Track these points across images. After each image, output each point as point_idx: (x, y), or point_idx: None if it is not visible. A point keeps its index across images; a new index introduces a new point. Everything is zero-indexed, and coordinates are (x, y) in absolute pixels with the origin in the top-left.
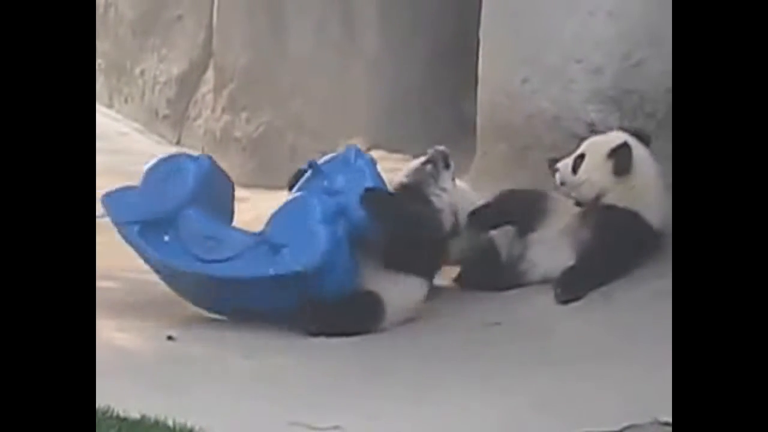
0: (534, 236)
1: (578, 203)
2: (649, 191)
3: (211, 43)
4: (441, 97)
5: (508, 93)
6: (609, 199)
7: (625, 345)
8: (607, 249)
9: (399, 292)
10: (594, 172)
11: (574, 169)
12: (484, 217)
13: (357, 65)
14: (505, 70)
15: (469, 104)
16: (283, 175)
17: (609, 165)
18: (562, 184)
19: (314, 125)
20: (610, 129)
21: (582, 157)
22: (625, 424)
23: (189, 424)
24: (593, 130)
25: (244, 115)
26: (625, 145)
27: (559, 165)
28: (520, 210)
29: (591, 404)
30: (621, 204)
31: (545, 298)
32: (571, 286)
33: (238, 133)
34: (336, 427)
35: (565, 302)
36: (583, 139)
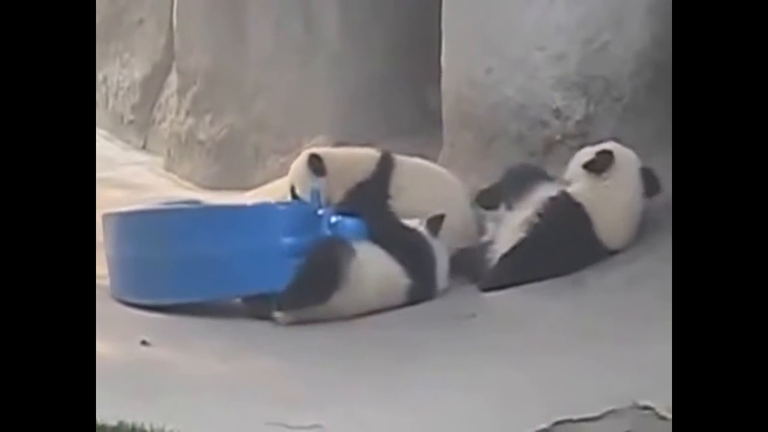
0: (506, 219)
1: None
2: (614, 207)
3: (173, 45)
4: (405, 89)
5: (472, 83)
6: (574, 191)
7: (601, 331)
8: (541, 238)
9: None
10: (573, 165)
11: None
12: (488, 196)
13: (318, 61)
14: (468, 60)
15: (433, 95)
16: (248, 176)
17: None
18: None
19: (278, 125)
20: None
21: None
22: (605, 410)
23: (167, 429)
24: (558, 118)
25: (207, 117)
26: (606, 151)
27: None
28: (515, 188)
29: (569, 392)
30: (579, 199)
31: (519, 289)
32: (494, 276)
33: (202, 136)
34: (315, 426)
35: (485, 290)
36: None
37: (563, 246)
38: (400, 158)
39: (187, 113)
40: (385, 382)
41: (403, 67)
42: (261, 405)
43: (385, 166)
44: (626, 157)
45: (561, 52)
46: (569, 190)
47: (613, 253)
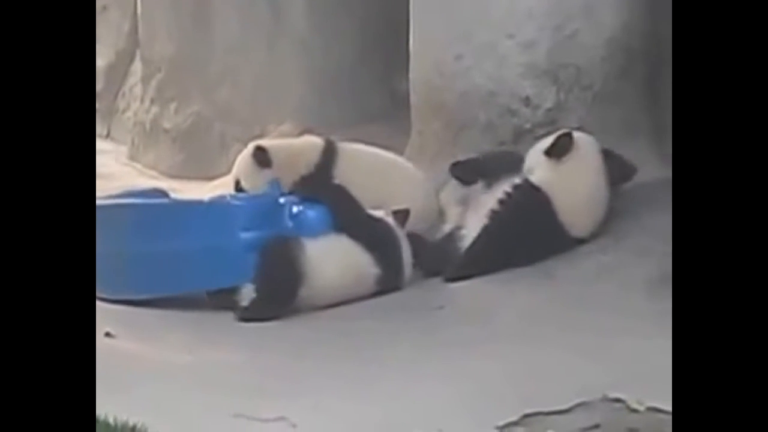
0: (473, 204)
1: None
2: (574, 190)
3: (137, 33)
4: (374, 76)
5: (441, 70)
6: (535, 177)
7: (570, 323)
8: (503, 227)
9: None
10: (534, 152)
11: None
12: (463, 169)
13: (285, 48)
14: (437, 47)
15: (402, 83)
16: (214, 165)
17: (546, 146)
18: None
19: (244, 113)
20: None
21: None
22: (575, 402)
23: (131, 422)
24: (528, 106)
25: (172, 105)
26: (567, 134)
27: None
28: (493, 169)
29: (539, 384)
30: (541, 185)
31: (487, 279)
32: (458, 266)
33: (167, 124)
34: (281, 418)
35: (450, 281)
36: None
37: (526, 234)
38: (347, 147)
39: (152, 101)
40: (353, 373)
41: (371, 54)
42: (227, 397)
43: (329, 156)
44: (587, 143)
45: (531, 39)
46: (532, 177)
47: (580, 241)
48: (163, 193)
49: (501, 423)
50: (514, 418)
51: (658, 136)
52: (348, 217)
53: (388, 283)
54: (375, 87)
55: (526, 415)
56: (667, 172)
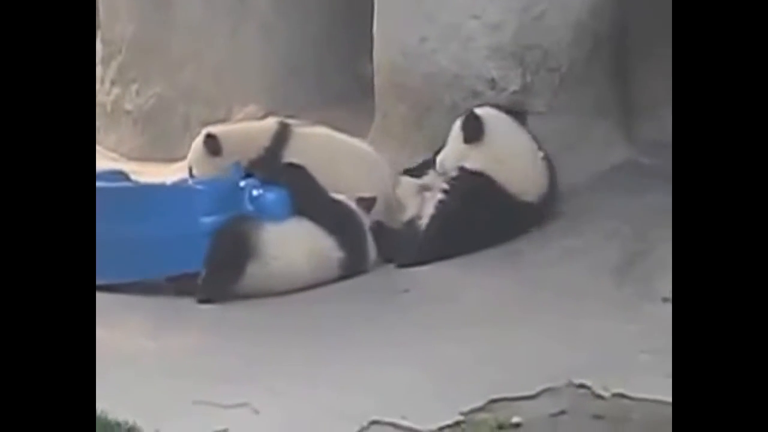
0: (431, 194)
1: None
2: (509, 160)
3: (97, 13)
4: (338, 58)
5: (405, 52)
6: (470, 164)
7: (537, 306)
8: (452, 211)
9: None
10: (452, 146)
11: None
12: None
13: (249, 29)
14: (401, 29)
15: (367, 65)
16: (177, 147)
17: (461, 136)
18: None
19: (208, 94)
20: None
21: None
22: (540, 387)
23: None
24: (493, 88)
25: (134, 87)
26: (472, 115)
27: (440, 156)
28: None
29: (504, 369)
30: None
31: (453, 261)
32: (411, 254)
33: (128, 106)
34: (242, 404)
35: (401, 267)
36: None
37: (480, 216)
38: (301, 131)
39: (113, 83)
40: (316, 358)
41: (336, 36)
42: (188, 383)
43: (279, 140)
44: (494, 115)
45: (497, 21)
46: (467, 165)
47: (536, 207)
48: (124, 176)
49: (466, 408)
50: (479, 404)
51: (626, 118)
52: (309, 200)
53: (352, 267)
54: (340, 69)
55: (492, 401)
56: (633, 155)
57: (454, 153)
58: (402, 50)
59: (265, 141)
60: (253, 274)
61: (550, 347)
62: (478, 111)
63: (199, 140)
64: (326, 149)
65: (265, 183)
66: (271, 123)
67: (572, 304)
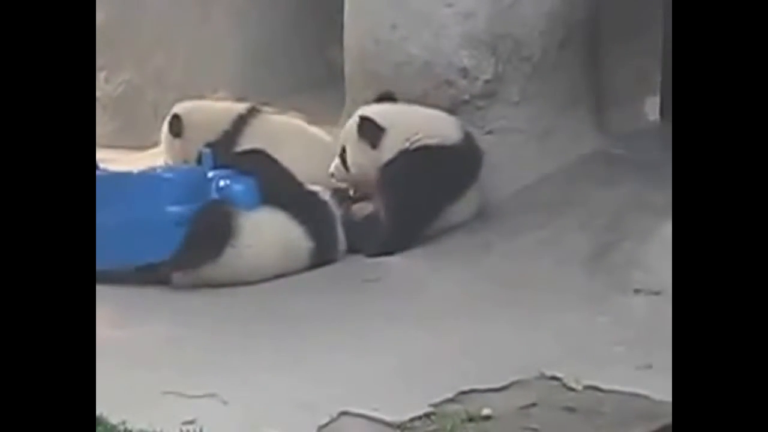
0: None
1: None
2: (416, 122)
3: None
4: (308, 45)
5: (376, 39)
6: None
7: (507, 297)
8: (400, 189)
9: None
10: (357, 157)
11: (344, 164)
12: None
13: (219, 15)
14: (372, 15)
15: (337, 52)
16: (147, 135)
17: (364, 144)
18: (343, 182)
19: (178, 80)
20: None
21: (344, 149)
22: (511, 379)
23: None
24: (465, 77)
25: (103, 74)
26: (365, 119)
27: (332, 168)
28: None
29: (475, 360)
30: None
31: (423, 252)
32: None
33: (98, 92)
34: (210, 395)
35: (370, 256)
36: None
37: (422, 181)
38: (261, 118)
39: None
40: (285, 348)
41: (306, 22)
42: (156, 373)
43: (238, 125)
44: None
45: (469, 9)
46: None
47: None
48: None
49: (436, 400)
50: (449, 395)
51: (598, 108)
52: (279, 189)
53: (322, 256)
54: (310, 56)
55: (462, 392)
56: (605, 145)
57: (365, 165)
58: (372, 37)
59: (225, 124)
60: (227, 261)
61: (521, 338)
62: (365, 113)
63: (166, 120)
64: (282, 137)
65: (234, 174)
66: (236, 107)
67: (543, 295)
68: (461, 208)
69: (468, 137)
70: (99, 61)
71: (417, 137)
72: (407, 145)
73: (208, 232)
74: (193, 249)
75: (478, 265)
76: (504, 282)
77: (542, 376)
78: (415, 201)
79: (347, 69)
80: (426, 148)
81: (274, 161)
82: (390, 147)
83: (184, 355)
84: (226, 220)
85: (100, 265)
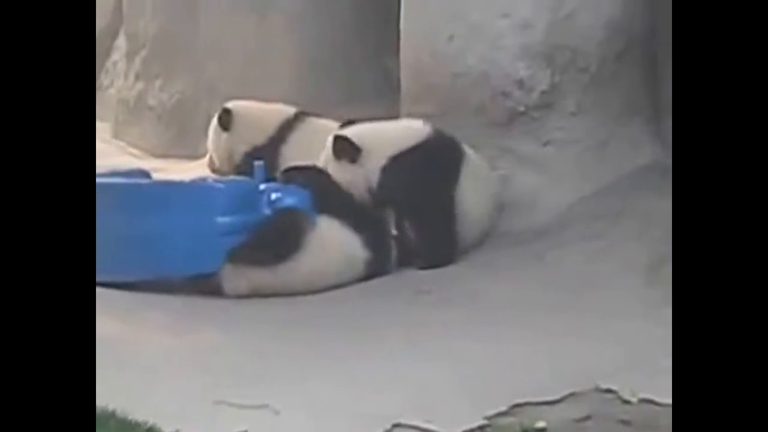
0: None
1: None
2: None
3: (121, 8)
4: (365, 55)
5: (433, 51)
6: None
7: (561, 307)
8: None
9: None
10: (342, 175)
11: None
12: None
13: (276, 25)
14: (429, 27)
15: (393, 63)
16: (200, 144)
17: (341, 161)
18: None
19: (232, 91)
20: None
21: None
22: (566, 392)
23: (110, 408)
24: (522, 88)
25: (158, 82)
26: (339, 139)
27: None
28: None
29: (528, 373)
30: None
31: (477, 263)
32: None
33: (152, 102)
34: (263, 406)
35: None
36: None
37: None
38: (306, 125)
39: (136, 78)
40: (338, 358)
41: (363, 33)
42: (209, 382)
43: (283, 132)
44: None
45: (526, 19)
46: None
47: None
48: (145, 174)
49: (490, 412)
50: (503, 408)
51: (656, 118)
52: (332, 201)
53: (377, 267)
54: (367, 66)
55: (516, 405)
56: (664, 155)
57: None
58: (429, 48)
59: (271, 130)
60: (288, 267)
61: (576, 350)
62: (342, 134)
63: (217, 114)
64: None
65: (285, 187)
66: (284, 111)
67: (599, 306)
68: (468, 197)
69: (439, 132)
70: (154, 70)
71: (394, 145)
72: (390, 154)
73: (280, 233)
74: (261, 248)
75: (534, 275)
76: (560, 293)
77: (597, 389)
78: (429, 200)
79: (403, 80)
80: (408, 151)
81: (327, 175)
82: (371, 160)
83: (236, 364)
84: (299, 224)
85: (149, 274)
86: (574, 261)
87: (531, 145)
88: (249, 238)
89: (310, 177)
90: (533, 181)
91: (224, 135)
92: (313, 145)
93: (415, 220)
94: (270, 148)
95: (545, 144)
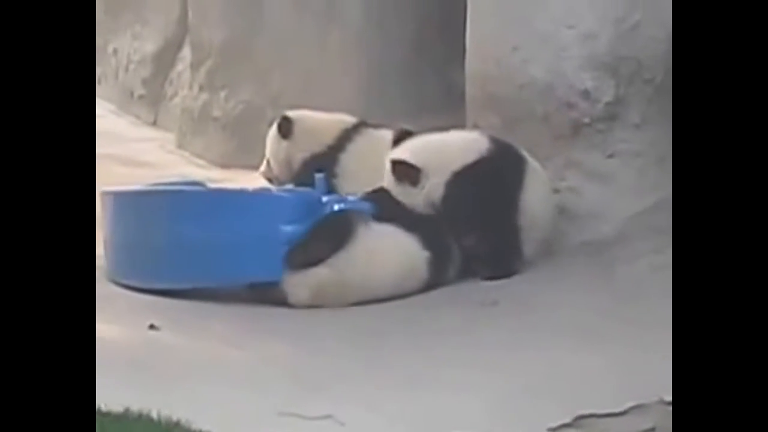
0: None
1: None
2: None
3: (187, 18)
4: (428, 67)
5: (498, 62)
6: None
7: (628, 319)
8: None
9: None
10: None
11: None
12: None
13: (340, 36)
14: (494, 38)
15: (458, 74)
16: (265, 154)
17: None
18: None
19: (296, 101)
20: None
21: None
22: (629, 404)
23: (174, 417)
24: (586, 99)
25: (222, 92)
26: (397, 164)
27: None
28: None
29: (593, 384)
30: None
31: (544, 275)
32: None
33: (216, 112)
34: (327, 416)
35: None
36: None
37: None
38: (366, 135)
39: (201, 88)
40: (402, 371)
41: (427, 44)
42: (273, 393)
43: (343, 138)
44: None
45: (591, 30)
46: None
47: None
48: (201, 186)
49: (554, 424)
50: (567, 420)
51: None
52: (394, 209)
53: (439, 271)
54: (431, 78)
55: (580, 417)
56: None
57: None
58: (494, 59)
59: (330, 139)
60: (343, 266)
61: (639, 362)
62: (400, 158)
63: (276, 121)
64: (386, 152)
65: (349, 200)
66: (343, 120)
67: (662, 319)
68: (532, 206)
69: (498, 142)
70: (219, 80)
71: (456, 160)
72: (453, 169)
73: (332, 227)
74: (315, 242)
75: (597, 288)
76: (625, 304)
77: (661, 401)
78: (494, 212)
79: (468, 91)
80: (471, 165)
81: (393, 197)
82: (433, 178)
83: (300, 374)
84: (351, 219)
85: (212, 282)
86: (638, 273)
87: (596, 157)
88: (302, 239)
89: (373, 192)
90: (598, 193)
91: (284, 143)
92: (371, 155)
93: (480, 232)
94: (328, 157)
95: (609, 156)
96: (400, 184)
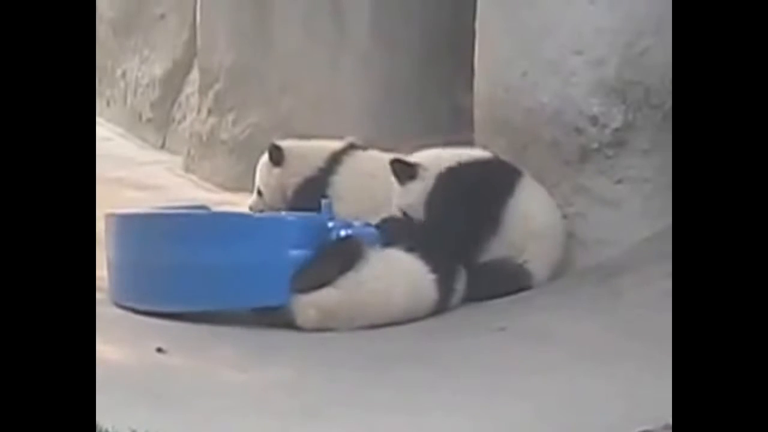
0: None
1: None
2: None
3: (195, 42)
4: (437, 91)
5: (506, 87)
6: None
7: (636, 346)
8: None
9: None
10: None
11: None
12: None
13: (348, 60)
14: (503, 63)
15: (466, 98)
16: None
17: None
18: None
19: (304, 125)
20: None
21: None
22: (638, 430)
23: None
24: (595, 125)
25: (230, 116)
26: (393, 162)
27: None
28: None
29: (601, 410)
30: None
31: (552, 300)
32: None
33: (224, 135)
34: None
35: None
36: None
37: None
38: (357, 155)
39: (209, 112)
40: (408, 396)
41: (435, 67)
42: (277, 417)
43: (332, 161)
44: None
45: (600, 56)
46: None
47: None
48: (205, 209)
49: None
50: None
51: None
52: (402, 234)
53: (448, 300)
54: (438, 101)
55: None
56: None
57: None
58: (503, 84)
59: (321, 162)
60: (356, 279)
61: (650, 388)
62: (395, 157)
63: (267, 150)
64: (376, 173)
65: (355, 225)
66: (332, 144)
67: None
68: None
69: (497, 156)
70: (227, 104)
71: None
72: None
73: (339, 249)
74: (322, 264)
75: (607, 313)
76: (633, 330)
77: (668, 427)
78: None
79: (477, 115)
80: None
81: (398, 219)
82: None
83: (304, 399)
84: (357, 243)
85: (218, 306)
86: (648, 299)
87: (604, 183)
88: (310, 262)
89: (382, 221)
90: (606, 219)
91: (275, 170)
92: (362, 176)
93: (463, 225)
94: (321, 180)
95: (618, 182)
96: (401, 183)
